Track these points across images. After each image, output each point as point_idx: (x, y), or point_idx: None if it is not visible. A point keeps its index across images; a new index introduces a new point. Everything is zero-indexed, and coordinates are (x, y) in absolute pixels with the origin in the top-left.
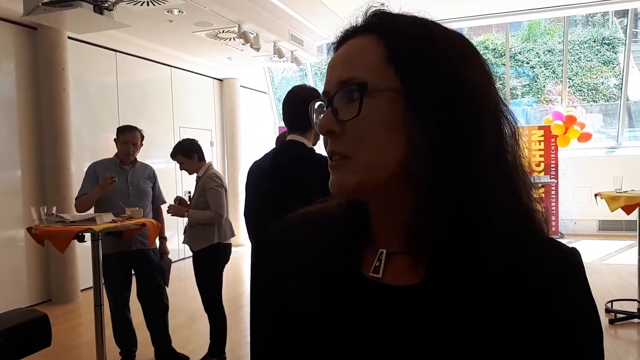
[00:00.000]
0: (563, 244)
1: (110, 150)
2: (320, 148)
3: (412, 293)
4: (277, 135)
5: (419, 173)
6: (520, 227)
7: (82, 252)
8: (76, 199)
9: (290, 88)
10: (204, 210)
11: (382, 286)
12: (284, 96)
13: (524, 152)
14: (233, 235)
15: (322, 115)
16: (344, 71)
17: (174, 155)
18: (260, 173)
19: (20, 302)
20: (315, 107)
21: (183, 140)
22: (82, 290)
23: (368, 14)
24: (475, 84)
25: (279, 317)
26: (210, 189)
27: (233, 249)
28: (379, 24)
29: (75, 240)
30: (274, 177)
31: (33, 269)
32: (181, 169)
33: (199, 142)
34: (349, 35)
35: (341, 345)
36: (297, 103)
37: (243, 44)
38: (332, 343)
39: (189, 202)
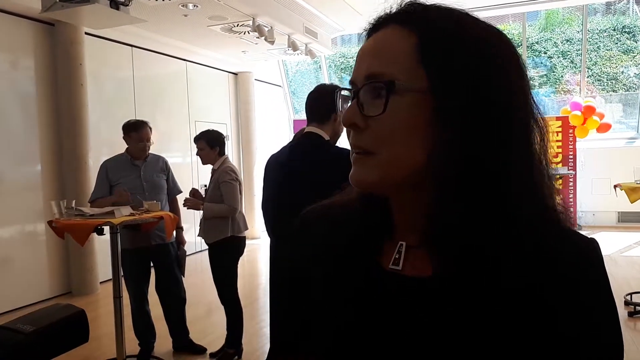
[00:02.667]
0: (582, 235)
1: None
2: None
3: (431, 284)
4: (294, 131)
5: (442, 172)
6: (543, 225)
7: (101, 245)
8: (90, 201)
9: (307, 83)
10: (218, 203)
11: (402, 278)
12: (298, 89)
13: (550, 155)
14: (247, 228)
15: (348, 106)
16: (373, 64)
17: (198, 139)
18: (277, 166)
19: (41, 294)
20: (341, 94)
21: (213, 130)
22: (101, 283)
23: (403, 4)
24: (509, 89)
25: (300, 308)
26: (224, 182)
27: (249, 242)
28: (413, 18)
29: (95, 234)
30: (291, 170)
31: (54, 262)
32: (197, 154)
33: (225, 139)
34: (382, 22)
35: (361, 336)
36: (319, 93)
37: (257, 38)
38: (352, 333)
39: (204, 196)
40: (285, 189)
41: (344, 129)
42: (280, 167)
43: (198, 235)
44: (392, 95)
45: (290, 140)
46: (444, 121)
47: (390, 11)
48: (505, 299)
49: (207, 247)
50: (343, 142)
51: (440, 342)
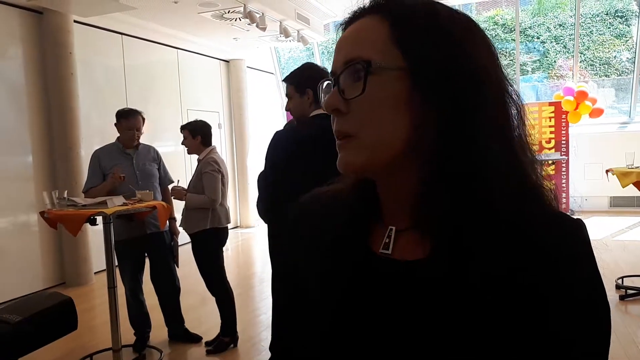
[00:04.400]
0: (568, 216)
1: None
2: None
3: (420, 267)
4: (287, 119)
5: (424, 150)
6: (525, 202)
7: (95, 235)
8: (84, 192)
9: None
10: (201, 194)
11: (392, 262)
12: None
13: (530, 130)
14: (228, 221)
15: (329, 94)
16: (350, 51)
17: (183, 128)
18: (295, 144)
19: (35, 285)
20: (324, 86)
21: (199, 120)
22: (95, 273)
23: None
24: (479, 63)
25: (295, 295)
26: (205, 173)
27: (243, 231)
28: (385, 4)
29: (88, 224)
30: (300, 150)
31: (47, 252)
32: (182, 143)
33: (211, 129)
34: (357, 16)
35: (355, 320)
36: (319, 78)
37: (249, 24)
38: (346, 318)
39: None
40: (291, 168)
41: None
42: (297, 145)
43: (179, 225)
44: (370, 75)
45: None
46: (421, 98)
47: (364, 5)
48: (492, 279)
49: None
50: None
51: (430, 325)
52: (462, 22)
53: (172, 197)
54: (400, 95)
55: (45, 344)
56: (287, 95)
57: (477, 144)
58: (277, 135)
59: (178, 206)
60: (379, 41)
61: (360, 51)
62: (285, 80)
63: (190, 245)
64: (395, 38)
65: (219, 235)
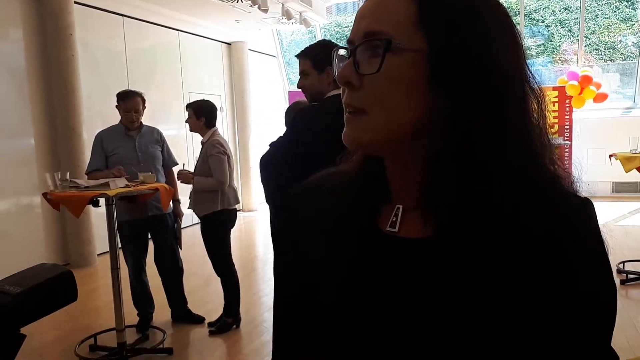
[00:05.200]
0: (576, 195)
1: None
2: None
3: (427, 246)
4: (289, 102)
5: (434, 133)
6: (536, 185)
7: (98, 217)
8: (87, 173)
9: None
10: (207, 176)
11: (399, 240)
12: (293, 60)
13: (549, 123)
14: (237, 202)
15: (343, 64)
16: (372, 23)
17: (188, 106)
18: (319, 119)
19: None
20: (338, 54)
21: (205, 100)
22: (98, 255)
23: None
24: (505, 55)
25: (302, 273)
26: (211, 156)
27: (246, 214)
28: None
29: (90, 206)
30: (323, 132)
31: (50, 234)
32: (186, 121)
33: (216, 110)
34: None
35: (360, 298)
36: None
37: (251, 6)
38: (352, 295)
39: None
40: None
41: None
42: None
43: (188, 208)
44: (388, 54)
45: (293, 109)
46: (439, 84)
47: None
48: (497, 260)
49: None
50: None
51: (436, 303)
52: (493, 10)
53: (179, 181)
54: (416, 78)
55: (46, 315)
56: (301, 72)
57: (490, 136)
58: (305, 113)
59: (182, 189)
60: (403, 18)
61: (382, 25)
62: (300, 55)
63: (194, 228)
64: (421, 18)
65: (229, 217)
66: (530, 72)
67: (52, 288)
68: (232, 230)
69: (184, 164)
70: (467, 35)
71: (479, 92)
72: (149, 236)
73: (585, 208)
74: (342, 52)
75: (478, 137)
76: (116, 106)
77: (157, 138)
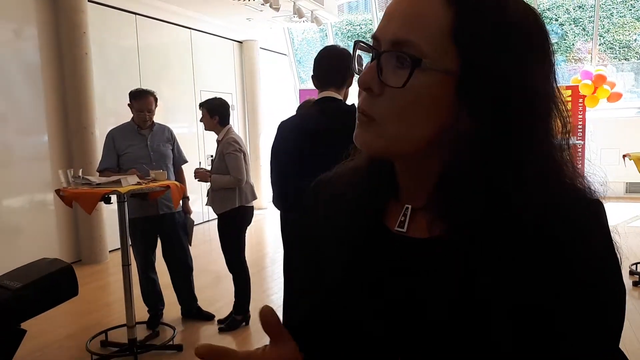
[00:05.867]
0: (586, 196)
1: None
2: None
3: (435, 246)
4: (300, 100)
5: (453, 149)
6: (552, 201)
7: (109, 214)
8: (99, 171)
9: (320, 48)
10: (224, 174)
11: (407, 239)
12: (304, 58)
13: (569, 143)
14: (255, 198)
15: (365, 66)
16: (402, 29)
17: (201, 105)
18: (300, 133)
19: None
20: (361, 47)
21: (218, 98)
22: (110, 251)
23: None
24: (536, 79)
25: (312, 271)
26: (228, 154)
27: (255, 212)
28: None
29: (102, 203)
30: (320, 135)
31: (63, 230)
32: (200, 120)
33: (229, 108)
34: None
35: (366, 296)
36: (337, 57)
37: (262, 4)
38: (358, 294)
39: (210, 167)
40: (312, 155)
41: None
42: (304, 133)
43: (206, 205)
44: (416, 70)
45: (304, 107)
46: (465, 105)
47: None
48: (506, 260)
49: (214, 217)
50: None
51: (442, 303)
52: (530, 27)
53: (197, 180)
54: (442, 98)
55: (46, 310)
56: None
57: (512, 158)
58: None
59: (192, 186)
60: (437, 30)
61: (413, 35)
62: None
63: (205, 225)
64: (456, 33)
65: (246, 214)
66: (558, 90)
67: (53, 283)
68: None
69: (200, 163)
70: (502, 55)
71: (506, 113)
72: (158, 234)
73: (595, 210)
74: (361, 51)
75: (498, 154)
76: (128, 104)
77: (168, 136)
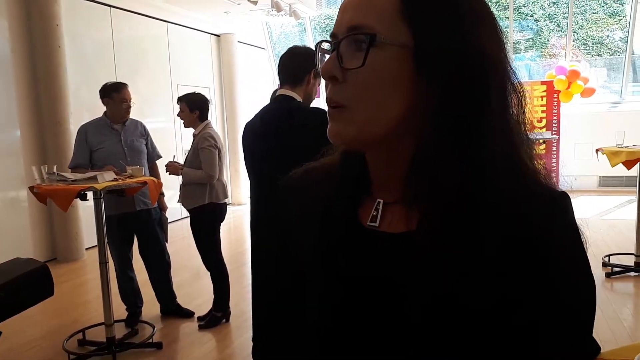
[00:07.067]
0: (552, 190)
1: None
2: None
3: (408, 239)
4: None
5: (420, 128)
6: (516, 183)
7: (85, 211)
8: (70, 167)
9: (289, 46)
10: (197, 169)
11: (379, 234)
12: (282, 52)
13: (527, 115)
14: (226, 197)
15: (327, 58)
16: (356, 16)
17: (180, 100)
18: (252, 136)
19: None
20: (321, 47)
21: (197, 92)
22: (86, 249)
23: None
24: (487, 47)
25: (284, 268)
26: (202, 149)
27: (235, 208)
28: None
29: (78, 200)
30: (266, 137)
31: (37, 228)
32: (178, 115)
33: (209, 103)
34: None
35: (342, 291)
36: (292, 55)
37: None
38: (334, 289)
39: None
40: (262, 157)
41: (317, 93)
42: (254, 136)
43: (177, 201)
44: (372, 48)
45: (265, 105)
46: (423, 78)
47: None
48: (479, 253)
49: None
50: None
51: (415, 298)
52: (474, 4)
53: (168, 173)
54: (401, 73)
55: (22, 310)
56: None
57: (474, 130)
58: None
59: (167, 182)
60: (387, 11)
61: (366, 18)
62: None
63: (182, 222)
64: (405, 11)
65: (218, 211)
66: (511, 67)
67: (27, 283)
68: (221, 224)
69: (174, 156)
70: (451, 26)
71: (463, 84)
72: (134, 231)
73: (561, 202)
74: (325, 45)
75: (462, 130)
76: (103, 100)
77: (142, 131)
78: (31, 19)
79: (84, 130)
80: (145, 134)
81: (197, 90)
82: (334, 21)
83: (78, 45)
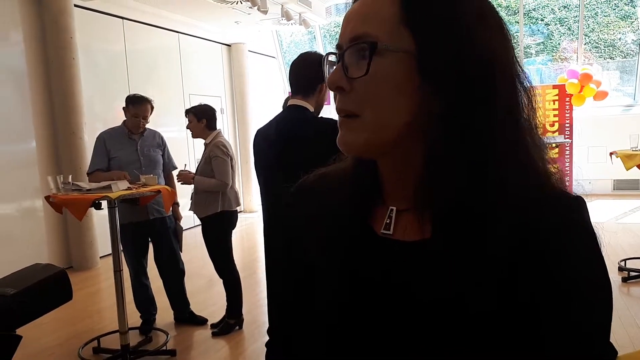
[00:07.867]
0: (566, 195)
1: (121, 119)
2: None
3: (422, 248)
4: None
5: (429, 133)
6: (529, 187)
7: (100, 219)
8: (88, 174)
9: (299, 53)
10: (209, 178)
11: (393, 242)
12: (292, 60)
13: (539, 118)
14: (238, 204)
15: (333, 70)
16: (358, 26)
17: (188, 112)
18: (264, 142)
19: None
20: (328, 60)
21: (203, 103)
22: (101, 257)
23: None
24: (491, 48)
25: (296, 275)
26: (215, 157)
27: (247, 215)
28: None
29: (93, 208)
30: (279, 146)
31: (53, 237)
32: (187, 127)
33: (216, 113)
34: None
35: (354, 299)
36: (302, 64)
37: (250, 7)
38: (346, 297)
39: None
40: (276, 165)
41: (327, 100)
42: (267, 143)
43: (189, 210)
44: (375, 56)
45: (278, 113)
46: (429, 82)
47: None
48: (493, 258)
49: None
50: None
51: (429, 305)
52: (476, 5)
53: (179, 182)
54: (406, 78)
55: (42, 315)
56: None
57: (483, 132)
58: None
59: (182, 191)
60: (388, 19)
61: (368, 28)
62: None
63: (196, 230)
64: (405, 18)
65: (230, 219)
66: (520, 67)
67: (47, 288)
68: (233, 232)
69: (185, 165)
70: (452, 29)
71: (469, 86)
72: (149, 239)
73: (576, 206)
74: (332, 57)
75: (471, 134)
76: (123, 108)
77: (159, 142)
78: (46, 31)
79: (102, 138)
80: (162, 144)
81: (209, 100)
82: None
83: (92, 57)
